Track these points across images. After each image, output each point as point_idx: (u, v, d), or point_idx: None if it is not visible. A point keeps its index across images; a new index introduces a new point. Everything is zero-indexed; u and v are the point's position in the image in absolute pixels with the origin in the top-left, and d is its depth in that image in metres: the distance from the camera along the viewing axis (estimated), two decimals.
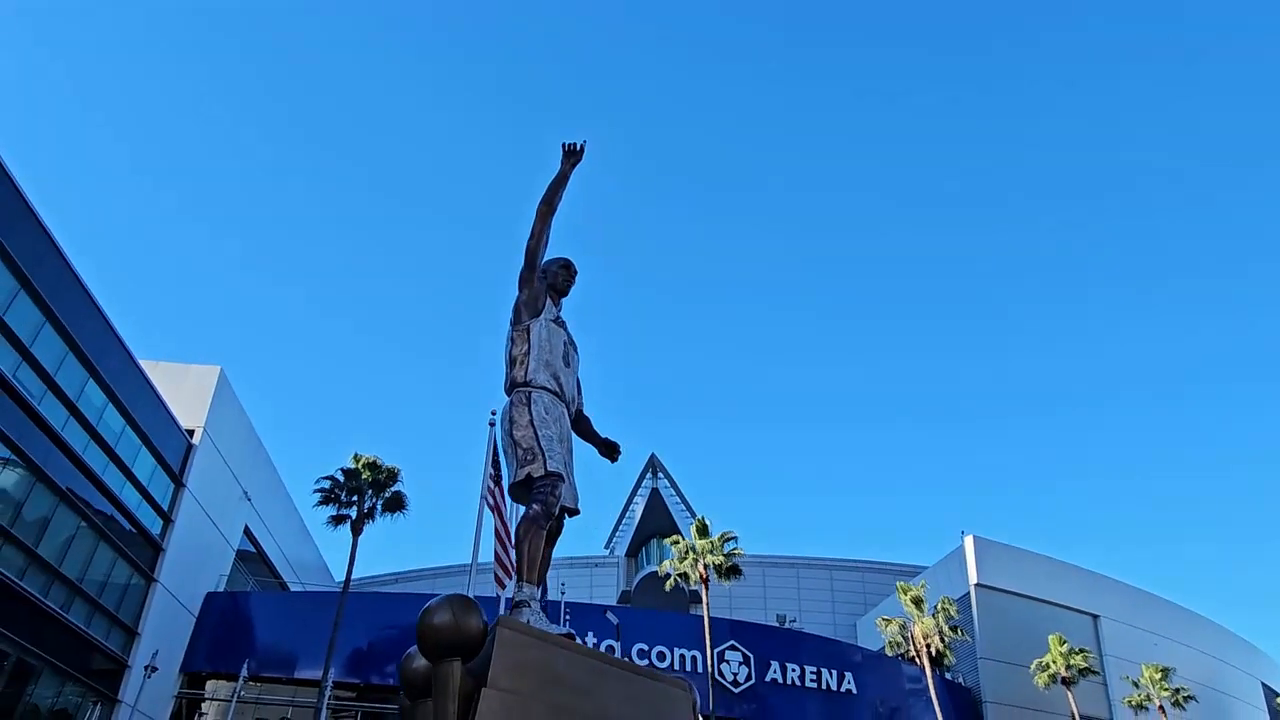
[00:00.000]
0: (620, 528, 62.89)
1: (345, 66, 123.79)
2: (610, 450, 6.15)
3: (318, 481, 31.06)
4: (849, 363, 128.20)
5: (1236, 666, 49.15)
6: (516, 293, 5.87)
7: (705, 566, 35.16)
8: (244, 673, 28.95)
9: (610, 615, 32.96)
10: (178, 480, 31.26)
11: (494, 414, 14.63)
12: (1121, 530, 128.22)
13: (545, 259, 5.99)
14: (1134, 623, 43.87)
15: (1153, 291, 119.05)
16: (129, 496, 28.16)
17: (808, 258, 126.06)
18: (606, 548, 63.05)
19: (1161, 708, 38.37)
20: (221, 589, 34.84)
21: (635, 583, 56.35)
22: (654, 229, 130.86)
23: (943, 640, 35.94)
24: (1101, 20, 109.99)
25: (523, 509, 5.23)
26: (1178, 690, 38.54)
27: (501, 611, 5.56)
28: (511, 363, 5.64)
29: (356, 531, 30.50)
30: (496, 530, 13.64)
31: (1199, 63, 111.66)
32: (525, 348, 5.62)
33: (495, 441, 13.73)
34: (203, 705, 32.96)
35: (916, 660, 36.57)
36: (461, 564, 49.91)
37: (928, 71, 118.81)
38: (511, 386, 5.60)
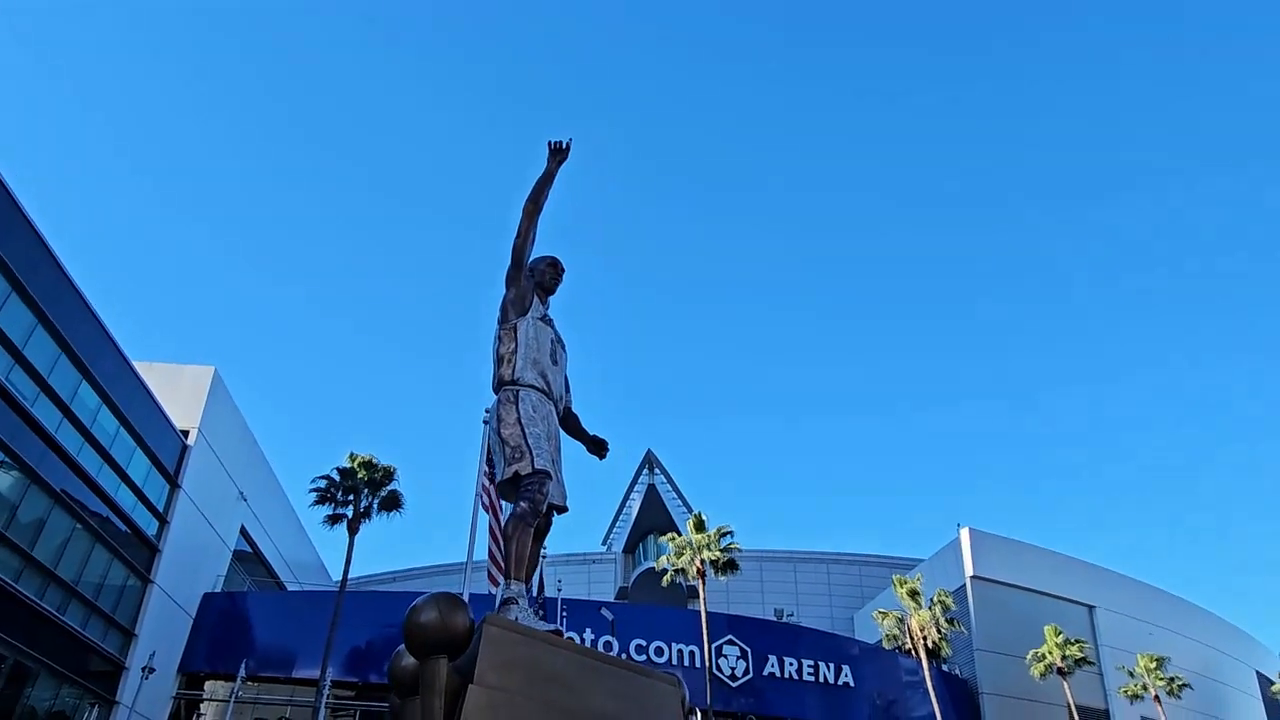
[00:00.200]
0: (617, 524, 62.98)
1: (341, 65, 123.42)
2: (598, 447, 6.18)
3: (313, 481, 31.08)
4: (845, 358, 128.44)
5: (1231, 655, 49.45)
6: (504, 291, 5.89)
7: (702, 562, 35.25)
8: (242, 673, 28.97)
9: (605, 611, 33.05)
10: (173, 481, 31.22)
11: (488, 412, 14.65)
12: (1117, 521, 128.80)
13: (532, 257, 6.01)
14: (1129, 613, 44.09)
15: (1147, 285, 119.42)
16: (124, 498, 28.12)
17: (803, 254, 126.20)
18: (604, 544, 63.17)
19: (1157, 697, 38.59)
20: (218, 589, 34.83)
21: (633, 579, 56.46)
22: (650, 226, 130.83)
23: (939, 632, 36.09)
24: (1101, 20, 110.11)
25: (511, 506, 5.26)
26: (1173, 679, 38.76)
27: (495, 606, 5.59)
28: (499, 361, 5.66)
29: (353, 531, 30.52)
30: (491, 528, 13.67)
31: (1199, 62, 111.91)
32: (513, 346, 5.63)
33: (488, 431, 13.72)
34: (201, 706, 32.98)
35: (913, 653, 36.72)
36: (458, 562, 49.95)
37: (927, 71, 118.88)
38: (499, 385, 5.62)
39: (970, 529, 43.49)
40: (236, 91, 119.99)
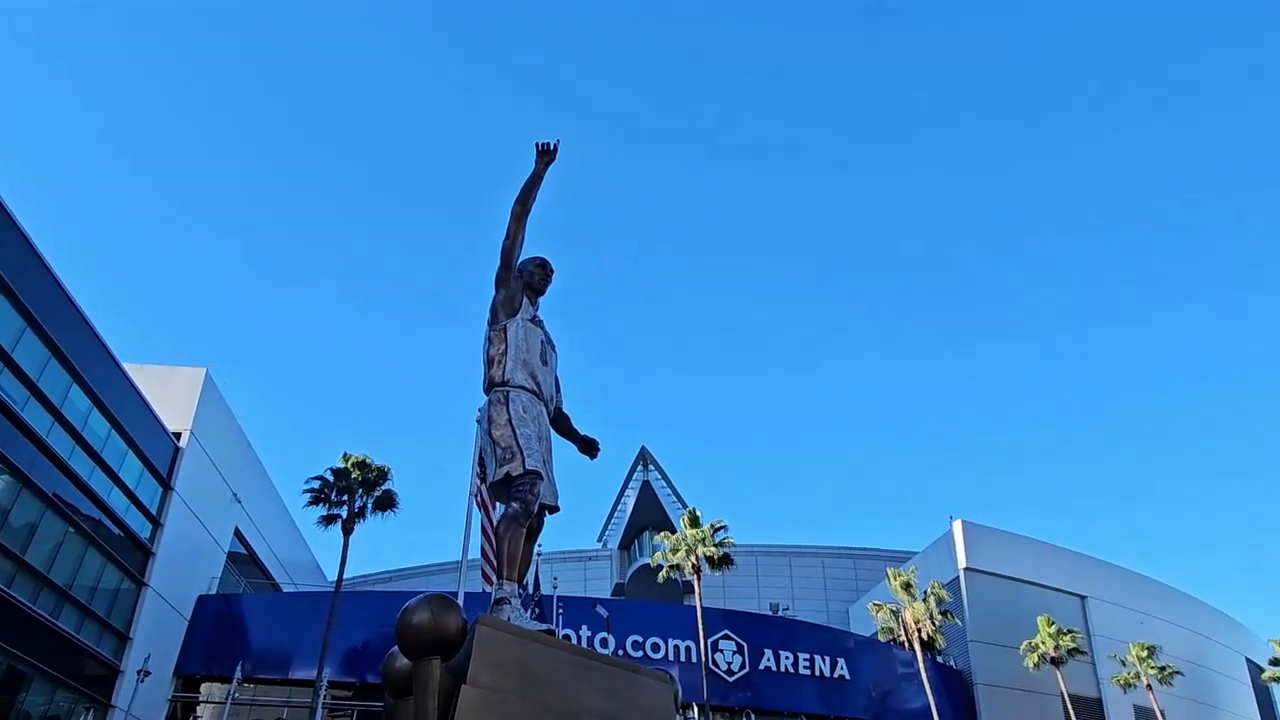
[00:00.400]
0: (612, 521, 63.09)
1: (335, 62, 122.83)
2: (589, 448, 6.22)
3: (307, 482, 31.09)
4: (839, 354, 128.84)
5: (1221, 642, 49.91)
6: (494, 293, 5.92)
7: (697, 557, 35.37)
8: (238, 675, 28.93)
9: (601, 609, 33.13)
10: (165, 484, 31.13)
11: (480, 411, 14.69)
12: (1108, 511, 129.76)
13: (521, 258, 6.04)
14: (1121, 602, 44.45)
15: (1138, 277, 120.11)
16: (116, 501, 28.02)
17: (797, 250, 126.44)
18: (599, 541, 63.26)
19: (1149, 685, 38.94)
20: (213, 591, 34.77)
21: (628, 575, 56.59)
22: (642, 217, 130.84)
23: (934, 624, 36.33)
24: (1100, 20, 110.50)
25: (503, 507, 5.29)
26: (1164, 667, 39.11)
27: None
28: (489, 363, 5.69)
29: (347, 531, 30.52)
30: (484, 527, 13.71)
31: (1198, 60, 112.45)
32: (502, 347, 5.67)
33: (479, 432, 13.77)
34: (197, 708, 32.93)
35: (908, 645, 36.95)
36: (453, 561, 49.96)
37: (927, 70, 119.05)
38: (490, 386, 5.65)
39: (963, 521, 43.75)
40: (229, 90, 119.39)
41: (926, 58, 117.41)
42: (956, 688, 39.30)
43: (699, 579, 35.35)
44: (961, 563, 42.31)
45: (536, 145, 5.99)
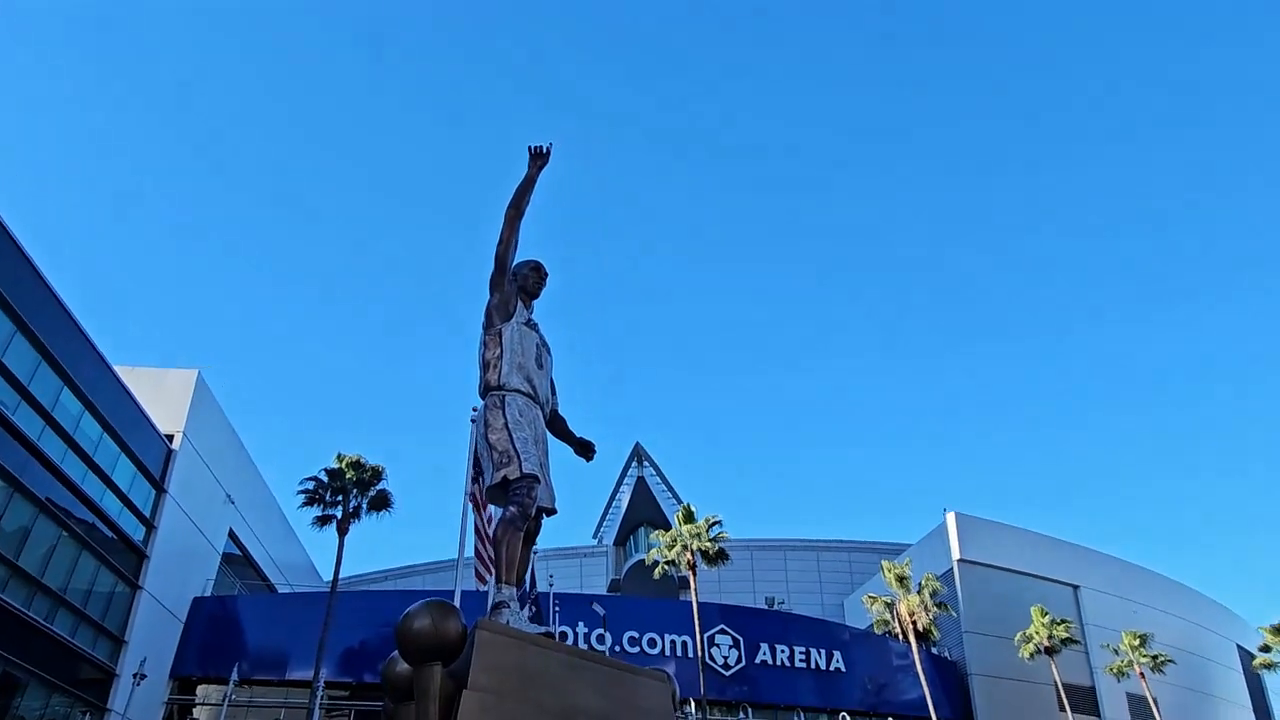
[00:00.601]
0: (607, 517, 63.17)
1: (328, 59, 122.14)
2: (585, 450, 6.25)
3: (302, 482, 31.01)
4: (834, 351, 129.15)
5: (1212, 630, 50.37)
6: (488, 297, 5.93)
7: (692, 552, 35.47)
8: (234, 676, 28.87)
9: (597, 607, 33.19)
10: (159, 486, 31.02)
11: (475, 410, 14.73)
12: (1100, 502, 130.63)
13: (515, 262, 6.05)
14: (1113, 591, 44.80)
15: (1132, 277, 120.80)
16: (110, 504, 27.92)
17: (794, 249, 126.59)
18: (594, 537, 63.33)
19: (1142, 674, 39.29)
20: (208, 593, 34.68)
21: (624, 571, 56.67)
22: (636, 214, 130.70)
23: (928, 616, 36.55)
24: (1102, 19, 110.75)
25: (501, 510, 5.32)
26: (1156, 656, 39.47)
27: (487, 606, 5.66)
28: (485, 367, 5.71)
29: (342, 532, 30.48)
30: (477, 529, 13.75)
31: (1199, 58, 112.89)
32: (498, 351, 5.68)
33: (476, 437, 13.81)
34: (194, 711, 32.87)
35: (903, 637, 37.17)
36: (449, 559, 49.93)
37: (927, 71, 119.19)
38: (485, 390, 5.67)
39: (956, 513, 43.99)
40: (224, 90, 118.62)
41: (926, 59, 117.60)
42: (951, 679, 39.57)
43: (694, 574, 35.46)
44: (955, 554, 42.56)
45: (529, 149, 6.00)
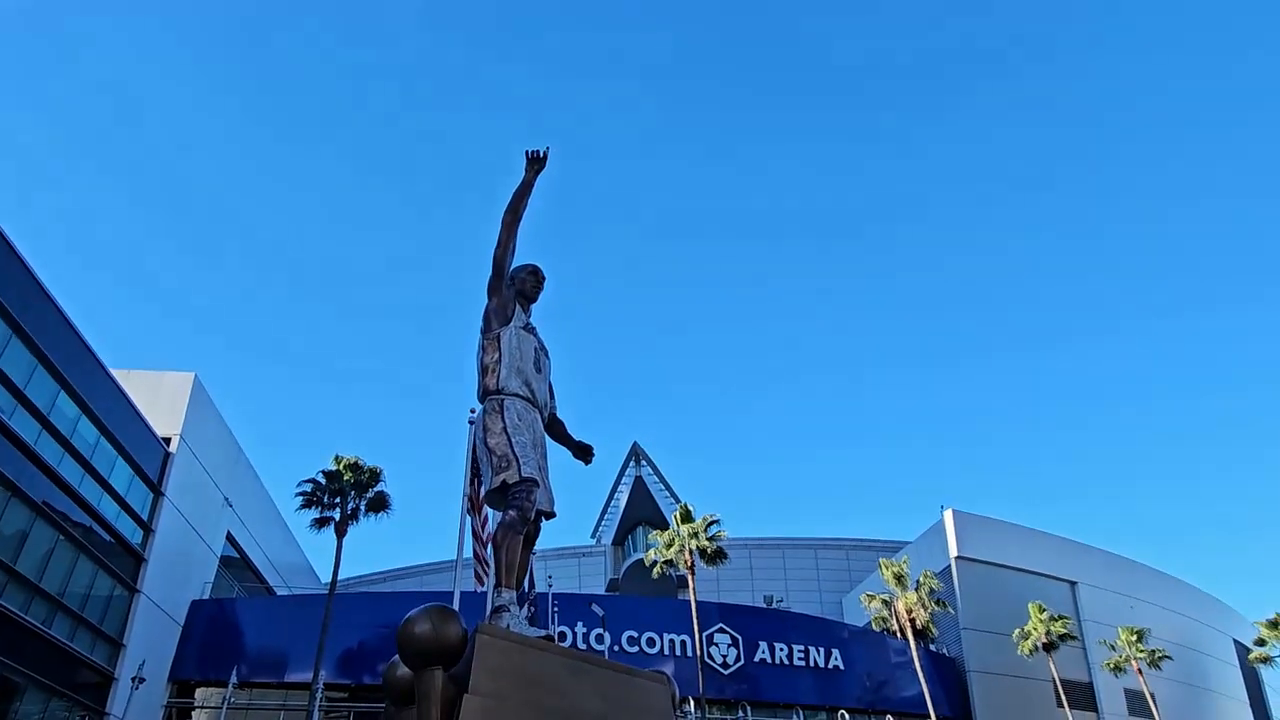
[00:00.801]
0: (606, 517, 63.19)
1: (326, 60, 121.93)
2: (584, 453, 6.27)
3: (299, 484, 31.01)
4: (830, 350, 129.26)
5: (1209, 625, 50.55)
6: (486, 301, 5.95)
7: (691, 552, 35.50)
8: (233, 679, 28.86)
9: (595, 607, 33.20)
10: (156, 489, 30.97)
11: (473, 412, 14.75)
12: (1096, 498, 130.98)
13: (513, 266, 6.07)
14: (1110, 587, 44.92)
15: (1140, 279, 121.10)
16: (107, 508, 27.87)
17: (787, 245, 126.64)
18: (593, 537, 63.35)
19: (1139, 669, 39.41)
20: (206, 596, 34.64)
21: (623, 570, 56.70)
22: (633, 213, 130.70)
23: (926, 613, 36.63)
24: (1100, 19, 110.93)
25: (500, 514, 5.35)
26: (1154, 651, 39.60)
27: (487, 608, 5.69)
28: (483, 371, 5.73)
29: (340, 533, 30.47)
30: (475, 530, 13.78)
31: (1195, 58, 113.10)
32: (496, 356, 5.71)
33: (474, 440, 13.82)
34: (193, 714, 32.85)
35: (901, 634, 37.24)
36: (448, 560, 49.96)
37: (927, 72, 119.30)
38: (484, 394, 5.70)
39: (954, 510, 44.07)
40: (220, 93, 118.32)
41: (927, 58, 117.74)
42: (950, 675, 39.66)
43: (693, 573, 35.50)
44: (953, 551, 42.65)
45: (526, 153, 6.02)
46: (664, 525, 41.60)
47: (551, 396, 6.20)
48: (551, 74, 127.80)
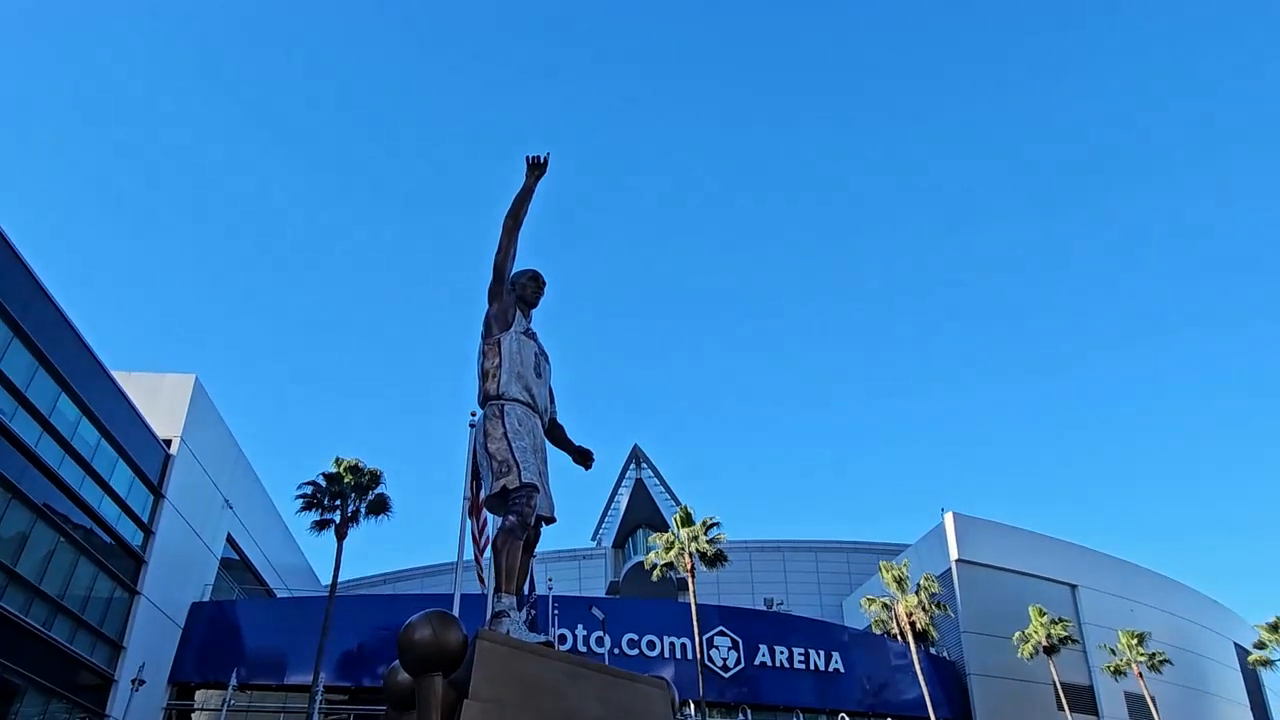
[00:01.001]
0: (606, 519, 63.19)
1: (324, 60, 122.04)
2: (584, 458, 6.27)
3: (300, 487, 31.00)
4: (829, 350, 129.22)
5: (1209, 628, 50.50)
6: (487, 306, 5.96)
7: (691, 554, 35.48)
8: (233, 681, 28.85)
9: (596, 610, 33.18)
10: (156, 491, 30.97)
11: (474, 415, 14.77)
12: (1097, 501, 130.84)
13: (513, 271, 6.08)
14: (1111, 591, 44.88)
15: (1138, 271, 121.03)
16: (107, 510, 27.87)
17: (786, 247, 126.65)
18: (593, 540, 63.35)
19: (1139, 672, 39.37)
20: (207, 598, 34.63)
21: (623, 573, 56.69)
22: (632, 219, 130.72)
23: (926, 616, 36.60)
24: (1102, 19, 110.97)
25: (500, 519, 5.35)
26: (1154, 654, 39.56)
27: (487, 613, 5.69)
28: (484, 376, 5.74)
29: (340, 535, 30.46)
30: (473, 534, 13.82)
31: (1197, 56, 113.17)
32: (497, 361, 5.71)
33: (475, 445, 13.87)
34: (193, 716, 32.83)
35: (901, 637, 37.21)
36: (448, 563, 49.90)
37: (928, 72, 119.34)
38: (485, 400, 5.71)
39: (954, 513, 44.04)
40: (220, 93, 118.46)
41: (928, 60, 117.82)
42: (950, 679, 39.63)
43: (693, 576, 35.47)
44: (953, 554, 42.61)
45: (527, 159, 6.02)
46: (664, 528, 41.57)
47: (552, 401, 6.21)
48: (552, 74, 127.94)
